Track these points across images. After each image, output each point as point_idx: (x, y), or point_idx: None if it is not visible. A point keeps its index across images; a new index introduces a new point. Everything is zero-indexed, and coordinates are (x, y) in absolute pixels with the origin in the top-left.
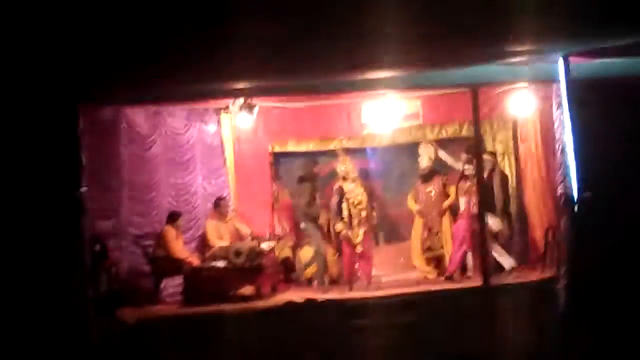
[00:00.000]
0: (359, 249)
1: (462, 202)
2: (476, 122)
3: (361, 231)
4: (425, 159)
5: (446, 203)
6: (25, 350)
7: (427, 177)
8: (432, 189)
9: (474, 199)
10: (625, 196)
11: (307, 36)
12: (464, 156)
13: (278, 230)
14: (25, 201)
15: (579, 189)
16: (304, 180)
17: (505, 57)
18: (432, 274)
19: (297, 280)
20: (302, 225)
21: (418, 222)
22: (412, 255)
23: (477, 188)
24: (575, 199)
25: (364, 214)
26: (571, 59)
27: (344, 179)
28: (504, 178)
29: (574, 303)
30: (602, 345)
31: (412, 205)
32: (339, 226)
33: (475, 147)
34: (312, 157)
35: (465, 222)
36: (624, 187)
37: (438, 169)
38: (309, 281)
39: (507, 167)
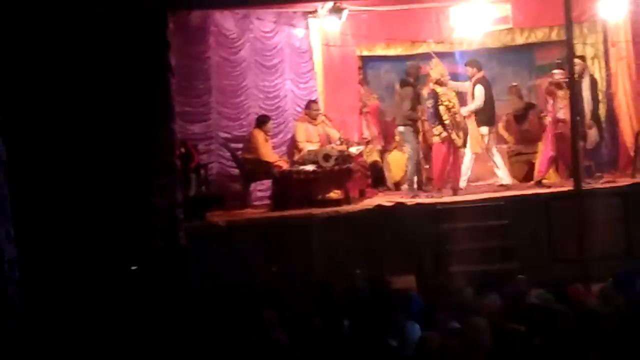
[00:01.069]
0: (459, 152)
1: (550, 107)
2: (568, 26)
3: (460, 135)
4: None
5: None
6: (116, 252)
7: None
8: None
9: (563, 104)
10: None
11: None
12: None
13: (366, 135)
14: (116, 105)
15: None
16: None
17: None
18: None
19: (385, 184)
20: (401, 129)
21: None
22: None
23: (569, 93)
24: None
25: (458, 118)
26: None
27: (437, 82)
28: (593, 82)
29: None
30: None
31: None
32: (438, 129)
33: (567, 52)
34: (401, 61)
35: (553, 127)
36: None
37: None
38: (397, 186)
39: (597, 71)
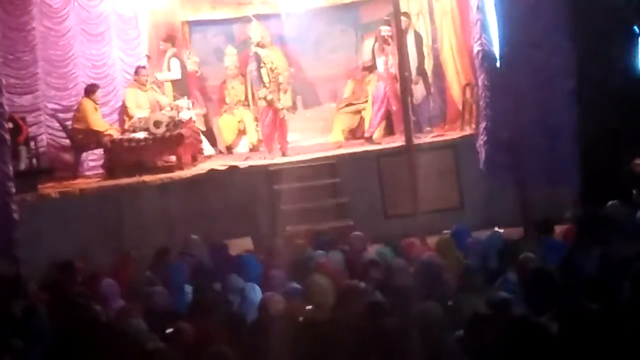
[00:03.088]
0: (282, 114)
1: (381, 64)
2: None
3: (283, 96)
4: (367, 53)
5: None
6: None
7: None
8: (370, 78)
9: (393, 60)
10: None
11: None
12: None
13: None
14: None
15: (500, 45)
16: None
17: None
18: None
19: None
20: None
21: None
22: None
23: (397, 49)
24: (495, 57)
25: (282, 79)
26: None
27: (259, 45)
28: (418, 38)
29: (492, 160)
30: (519, 199)
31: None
32: (262, 92)
33: (394, 8)
34: (228, 24)
35: (384, 83)
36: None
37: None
38: (229, 149)
39: (422, 26)
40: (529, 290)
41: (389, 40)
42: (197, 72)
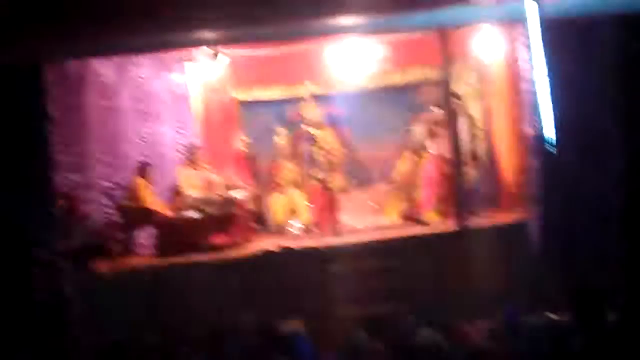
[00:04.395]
0: (334, 195)
1: (432, 146)
2: (445, 64)
3: (336, 176)
4: (419, 134)
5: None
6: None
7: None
8: (422, 160)
9: (444, 143)
10: (598, 139)
11: None
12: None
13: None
14: None
15: (553, 130)
16: None
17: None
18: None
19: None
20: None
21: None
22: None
23: (449, 131)
24: (549, 141)
25: (334, 159)
26: None
27: (312, 125)
28: (470, 120)
29: (545, 245)
30: (572, 286)
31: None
32: (315, 172)
33: (444, 90)
34: (279, 104)
35: (435, 166)
36: (597, 129)
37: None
38: (279, 229)
39: (474, 109)
40: None
41: (441, 121)
42: (245, 152)
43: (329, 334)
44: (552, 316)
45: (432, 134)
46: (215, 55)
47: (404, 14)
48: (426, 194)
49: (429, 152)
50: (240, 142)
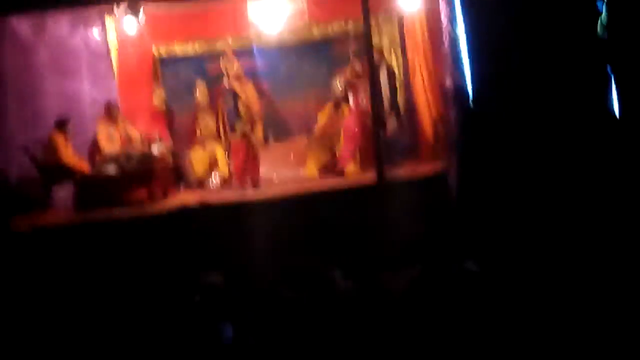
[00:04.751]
0: (256, 148)
1: (351, 99)
2: (366, 17)
3: (256, 130)
4: (339, 87)
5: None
6: None
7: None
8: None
9: (364, 95)
10: (517, 89)
11: None
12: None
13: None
14: None
15: (472, 82)
16: None
17: None
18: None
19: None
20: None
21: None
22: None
23: (369, 84)
24: (466, 93)
25: (254, 112)
26: None
27: (234, 78)
28: (391, 73)
29: (464, 195)
30: (489, 238)
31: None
32: (239, 125)
33: (365, 43)
34: (200, 59)
35: (355, 118)
36: (516, 80)
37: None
38: (199, 182)
39: (394, 61)
40: None
41: (360, 74)
42: (162, 108)
43: (249, 287)
44: (471, 266)
45: (352, 87)
46: (136, 10)
47: None
48: (346, 147)
49: (349, 105)
50: (158, 97)
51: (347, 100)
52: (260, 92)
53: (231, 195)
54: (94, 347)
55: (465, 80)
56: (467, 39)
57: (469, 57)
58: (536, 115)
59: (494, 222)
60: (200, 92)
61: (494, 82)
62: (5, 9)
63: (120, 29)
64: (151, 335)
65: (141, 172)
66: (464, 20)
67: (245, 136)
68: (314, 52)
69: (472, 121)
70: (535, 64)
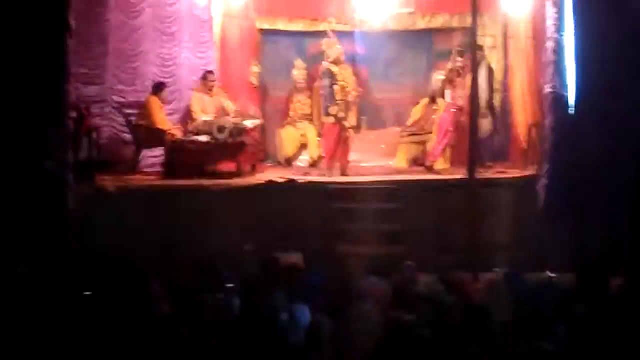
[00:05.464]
0: (349, 133)
1: (448, 95)
2: (474, 17)
3: (350, 115)
4: (437, 82)
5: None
6: (6, 215)
7: (434, 99)
8: (437, 107)
9: (461, 92)
10: (618, 101)
11: None
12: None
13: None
14: (11, 64)
15: (575, 90)
16: None
17: None
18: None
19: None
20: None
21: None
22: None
23: (470, 81)
24: (567, 100)
25: (351, 98)
26: None
27: (333, 62)
28: (490, 72)
29: (552, 203)
30: (576, 246)
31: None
32: (334, 109)
33: (471, 41)
34: (301, 37)
35: (450, 115)
36: (618, 92)
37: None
38: (288, 162)
39: (495, 61)
40: (577, 345)
41: (461, 71)
42: (258, 83)
43: (328, 271)
44: (553, 276)
45: (451, 83)
46: None
47: None
48: (438, 143)
49: (445, 100)
50: (256, 72)
51: (443, 96)
52: (358, 78)
53: (318, 177)
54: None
55: (566, 88)
56: (575, 46)
57: (575, 64)
58: (634, 128)
59: (582, 232)
60: (298, 72)
61: (597, 91)
62: None
63: (226, 0)
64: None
65: (232, 144)
66: (574, 27)
67: (338, 121)
68: (415, 43)
69: (570, 129)
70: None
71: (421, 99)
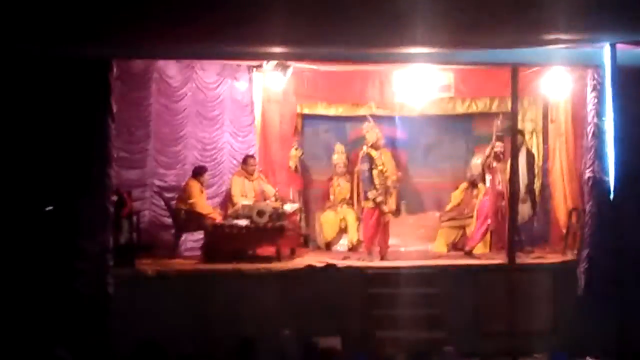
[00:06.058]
0: (386, 217)
1: (488, 179)
2: (514, 101)
3: (389, 199)
4: (477, 166)
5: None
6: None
7: (474, 183)
8: (477, 192)
9: (501, 177)
10: None
11: (344, 6)
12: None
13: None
14: (57, 147)
15: (615, 176)
16: None
17: (548, 44)
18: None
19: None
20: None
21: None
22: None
23: (510, 166)
24: (608, 186)
25: (390, 182)
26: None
27: (372, 146)
28: (530, 157)
29: (592, 288)
30: (614, 331)
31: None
32: (372, 193)
33: (511, 126)
34: (340, 121)
35: (490, 200)
36: None
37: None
38: (327, 246)
39: (535, 146)
40: None
41: (501, 156)
42: (298, 167)
43: (365, 354)
44: None
45: (490, 167)
46: (285, 67)
47: (472, 51)
48: (478, 227)
49: (485, 185)
50: (296, 156)
51: (483, 180)
52: (398, 162)
53: (357, 262)
54: None
55: (607, 174)
56: (614, 131)
57: (615, 150)
58: None
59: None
60: (338, 156)
61: (636, 176)
62: (154, 53)
63: (267, 84)
64: None
65: (272, 228)
66: (613, 112)
67: (378, 205)
68: (455, 127)
69: (610, 214)
70: None
71: (460, 184)
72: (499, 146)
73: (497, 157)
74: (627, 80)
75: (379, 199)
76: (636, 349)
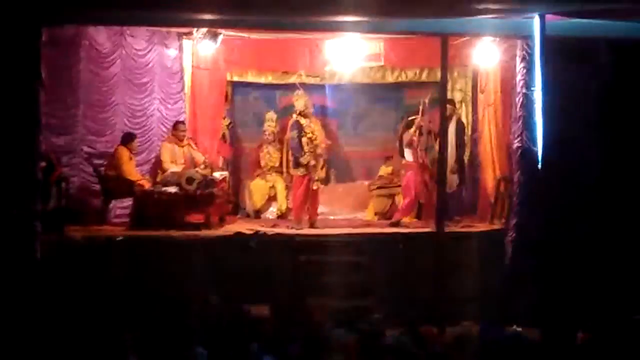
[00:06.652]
0: (315, 185)
1: (418, 149)
2: (443, 71)
3: (320, 168)
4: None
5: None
6: None
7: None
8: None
9: (424, 150)
10: (583, 157)
11: None
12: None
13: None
14: None
15: (543, 145)
16: None
17: (478, 14)
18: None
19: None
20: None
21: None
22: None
23: (440, 135)
24: (539, 155)
25: (319, 150)
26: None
27: (301, 114)
28: (460, 126)
29: (519, 257)
30: (540, 300)
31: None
32: (305, 158)
33: (441, 96)
34: (271, 89)
35: (419, 170)
36: (584, 147)
37: None
38: (257, 213)
39: (464, 115)
40: None
41: (422, 130)
42: (228, 134)
43: (295, 322)
44: (519, 330)
45: (419, 137)
46: (215, 35)
47: (404, 20)
48: (406, 196)
49: (414, 154)
50: (226, 123)
51: (412, 150)
52: (328, 131)
53: (286, 229)
54: None
55: (535, 143)
56: (543, 101)
57: (543, 120)
58: (607, 183)
59: (546, 288)
60: (269, 124)
61: (566, 146)
62: (84, 19)
63: (197, 52)
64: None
65: (201, 195)
66: (542, 83)
67: (307, 173)
68: (385, 97)
69: (538, 185)
70: (614, 133)
71: (391, 153)
72: (428, 115)
73: (427, 126)
74: (556, 51)
75: (312, 163)
76: (561, 317)
